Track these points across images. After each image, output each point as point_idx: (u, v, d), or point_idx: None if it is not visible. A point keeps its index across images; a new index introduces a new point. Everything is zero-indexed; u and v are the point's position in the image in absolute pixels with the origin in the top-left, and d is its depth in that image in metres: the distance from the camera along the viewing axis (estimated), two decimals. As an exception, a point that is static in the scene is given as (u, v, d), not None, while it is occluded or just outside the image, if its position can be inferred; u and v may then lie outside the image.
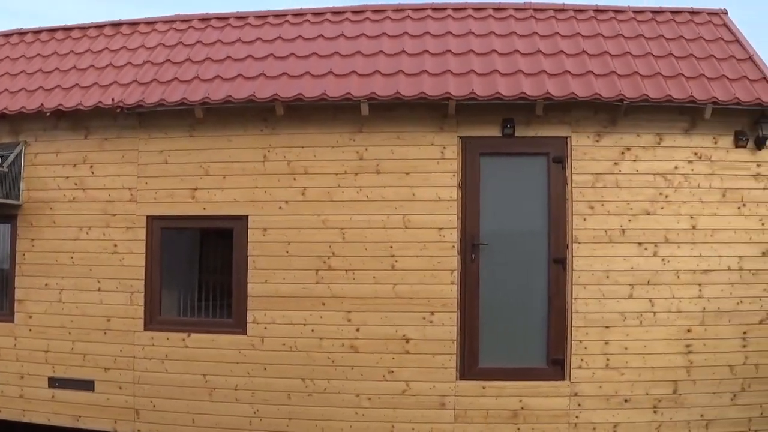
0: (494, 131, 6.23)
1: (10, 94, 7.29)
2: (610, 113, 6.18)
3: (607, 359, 6.12)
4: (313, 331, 6.28)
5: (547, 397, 6.10)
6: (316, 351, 6.27)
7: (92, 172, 6.80)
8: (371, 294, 6.21)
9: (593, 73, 6.25)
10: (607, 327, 6.12)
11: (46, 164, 7.00)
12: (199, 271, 7.04)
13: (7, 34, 8.24)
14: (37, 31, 8.15)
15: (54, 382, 6.85)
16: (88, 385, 6.75)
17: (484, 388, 6.13)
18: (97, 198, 6.76)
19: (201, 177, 6.49)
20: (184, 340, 6.48)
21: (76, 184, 6.84)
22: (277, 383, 6.32)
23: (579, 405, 6.09)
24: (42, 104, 6.91)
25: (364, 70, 6.45)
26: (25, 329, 6.96)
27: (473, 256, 6.17)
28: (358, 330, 6.23)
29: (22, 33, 8.18)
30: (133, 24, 7.80)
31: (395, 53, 6.65)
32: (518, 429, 6.09)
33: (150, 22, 7.76)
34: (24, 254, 7.00)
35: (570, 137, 6.23)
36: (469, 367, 6.18)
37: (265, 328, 6.34)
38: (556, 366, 6.14)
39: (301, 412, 6.29)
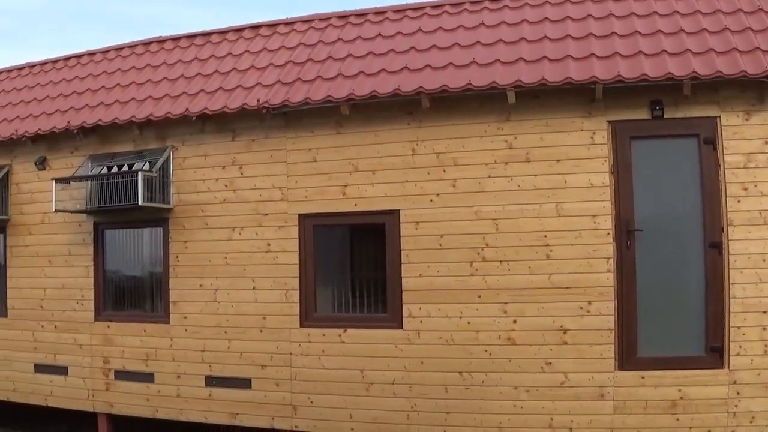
0: (643, 114, 8.11)
1: (154, 101, 10.03)
2: (758, 90, 7.83)
3: (766, 345, 7.77)
4: (469, 323, 8.41)
5: (706, 386, 7.81)
6: (473, 344, 8.40)
7: (242, 173, 9.35)
8: (527, 285, 8.26)
9: (737, 49, 7.95)
10: (765, 312, 7.76)
11: (195, 167, 9.64)
12: (351, 266, 9.41)
13: (147, 43, 11.13)
14: (176, 38, 10.99)
15: (211, 381, 9.44)
16: (244, 383, 9.26)
17: (643, 378, 7.98)
18: (248, 198, 9.30)
19: (351, 173, 8.84)
20: (340, 335, 8.85)
21: (226, 186, 9.42)
22: (435, 377, 8.50)
23: (738, 393, 7.76)
24: (187, 109, 9.53)
25: (508, 57, 8.54)
26: (181, 330, 9.62)
27: (629, 242, 8.10)
28: (514, 322, 8.30)
29: (161, 41, 11.04)
30: (272, 25, 10.42)
31: (537, 39, 8.70)
32: (677, 419, 7.88)
33: (289, 23, 10.34)
34: (177, 256, 9.67)
35: (719, 117, 7.95)
36: (628, 357, 8.05)
37: (421, 321, 8.56)
38: (714, 354, 7.84)
39: (459, 405, 8.43)
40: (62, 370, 10.50)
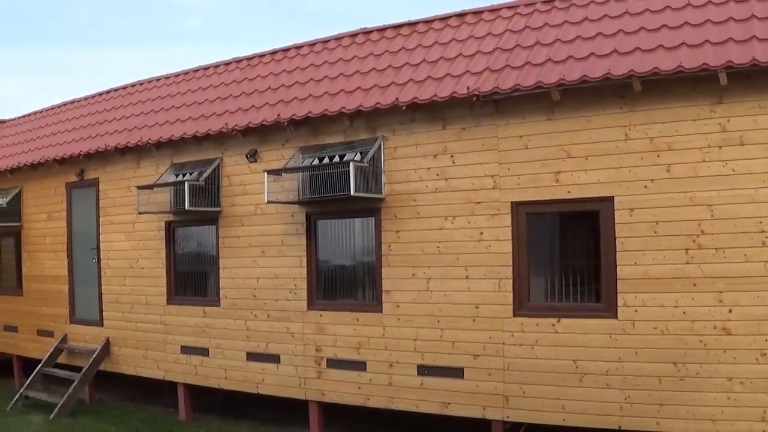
0: None
1: (363, 92, 12.68)
2: None
3: None
4: (684, 313, 10.24)
5: None
6: (688, 334, 10.23)
7: (453, 162, 11.78)
8: (743, 273, 9.95)
9: None
10: None
11: (406, 157, 12.20)
12: (561, 254, 11.60)
13: (353, 34, 14.01)
14: (382, 29, 13.78)
15: (423, 370, 11.94)
16: (456, 373, 11.68)
17: None
18: (459, 187, 11.72)
19: (563, 160, 10.99)
20: (553, 325, 11.02)
21: (437, 175, 11.88)
22: (648, 368, 10.41)
23: None
24: (397, 98, 12.06)
25: (717, 38, 10.21)
26: (394, 318, 12.21)
27: (841, 228, 9.75)
28: (730, 311, 10.01)
29: (366, 32, 13.89)
30: (477, 13, 12.86)
31: (745, 18, 10.32)
32: None
33: (494, 9, 12.73)
34: (390, 246, 12.27)
35: None
36: (836, 349, 9.70)
37: (636, 311, 10.50)
38: None
39: (672, 397, 10.26)
40: (274, 359, 13.51)
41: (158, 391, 16.44)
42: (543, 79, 10.90)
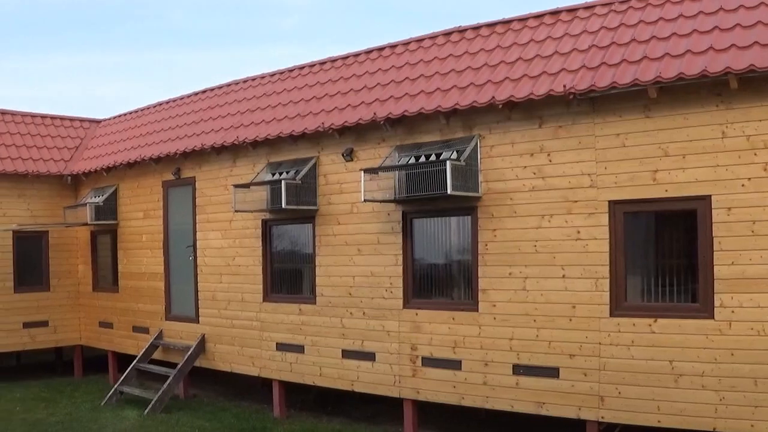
0: None
1: (459, 90, 13.25)
2: None
3: None
4: None
5: None
6: None
7: (550, 160, 12.28)
8: None
9: None
10: None
11: (502, 155, 12.74)
12: (656, 253, 11.99)
13: (448, 33, 14.63)
14: (476, 27, 14.37)
15: (518, 369, 12.46)
16: (552, 372, 12.17)
17: None
18: (556, 186, 12.21)
19: (660, 158, 11.37)
20: (650, 325, 11.41)
21: (534, 173, 12.40)
22: (744, 369, 10.72)
23: None
24: (493, 97, 12.60)
25: None
26: (490, 318, 12.77)
27: None
28: None
29: (461, 30, 14.49)
30: (572, 10, 13.33)
31: None
32: None
33: (588, 7, 13.18)
34: (486, 244, 12.83)
35: None
36: None
37: (733, 311, 10.85)
38: None
39: (767, 399, 10.62)
40: (369, 356, 14.20)
41: (251, 388, 17.29)
42: (640, 76, 11.29)
